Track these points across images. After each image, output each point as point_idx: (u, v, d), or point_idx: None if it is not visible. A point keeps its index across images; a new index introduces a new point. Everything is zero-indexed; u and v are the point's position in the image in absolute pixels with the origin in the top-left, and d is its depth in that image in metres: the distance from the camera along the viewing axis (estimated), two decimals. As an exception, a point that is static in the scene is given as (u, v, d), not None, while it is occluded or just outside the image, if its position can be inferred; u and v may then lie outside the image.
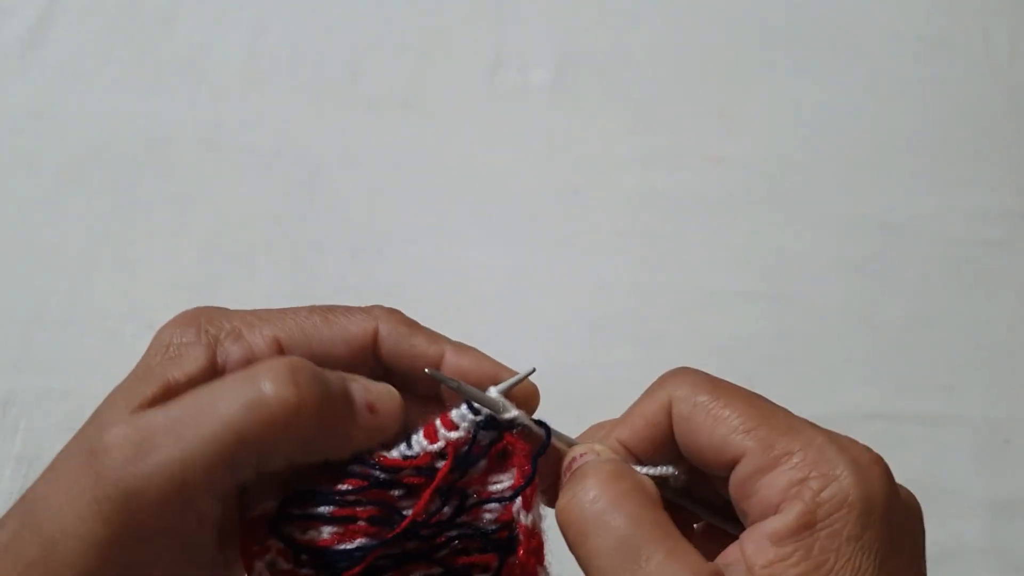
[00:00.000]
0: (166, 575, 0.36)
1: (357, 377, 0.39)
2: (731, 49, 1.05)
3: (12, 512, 0.36)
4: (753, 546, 0.34)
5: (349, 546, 0.37)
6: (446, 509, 0.38)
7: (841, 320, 0.89)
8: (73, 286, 0.87)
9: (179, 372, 0.37)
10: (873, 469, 0.34)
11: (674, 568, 0.33)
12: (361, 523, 0.37)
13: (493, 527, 0.39)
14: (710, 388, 0.39)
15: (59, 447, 0.38)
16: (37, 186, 0.92)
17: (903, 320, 0.89)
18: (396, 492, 0.38)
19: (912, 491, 0.37)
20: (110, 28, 1.02)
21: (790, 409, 0.38)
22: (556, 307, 0.88)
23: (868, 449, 0.35)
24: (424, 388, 0.42)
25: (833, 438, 0.35)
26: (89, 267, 0.88)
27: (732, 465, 0.36)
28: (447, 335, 0.42)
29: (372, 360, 0.40)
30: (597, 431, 0.42)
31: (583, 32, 1.05)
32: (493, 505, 0.39)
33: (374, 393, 0.38)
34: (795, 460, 0.35)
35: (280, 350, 0.39)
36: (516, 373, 0.40)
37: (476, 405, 0.39)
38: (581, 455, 0.40)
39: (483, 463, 0.40)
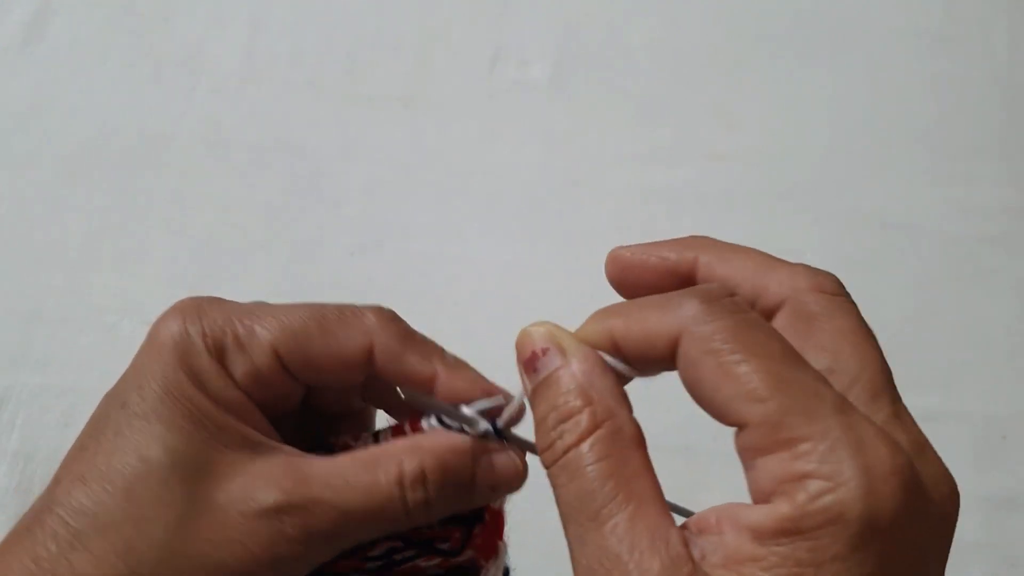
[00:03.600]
0: None
1: (487, 448, 0.38)
2: (731, 45, 1.05)
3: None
4: (732, 533, 0.30)
5: None
6: (409, 551, 0.39)
7: (840, 316, 0.89)
8: (70, 282, 0.87)
9: (213, 388, 0.37)
10: (889, 481, 0.29)
11: (632, 535, 0.30)
12: None
13: (458, 561, 0.40)
14: (733, 331, 0.31)
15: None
16: (34, 182, 0.92)
17: (901, 316, 0.89)
18: None
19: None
20: (108, 23, 1.02)
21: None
22: (555, 303, 0.88)
23: (894, 454, 0.30)
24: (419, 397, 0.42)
25: (853, 434, 0.29)
26: (87, 263, 0.88)
27: (734, 427, 0.32)
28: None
29: (367, 369, 0.40)
30: (599, 314, 0.37)
31: (582, 27, 1.05)
32: (465, 560, 0.40)
33: (501, 475, 0.38)
34: (801, 449, 0.29)
35: (277, 358, 0.38)
36: (506, 392, 0.40)
37: (445, 419, 0.39)
38: (543, 351, 0.35)
39: None
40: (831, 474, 0.28)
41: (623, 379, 0.36)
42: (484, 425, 0.38)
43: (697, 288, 0.35)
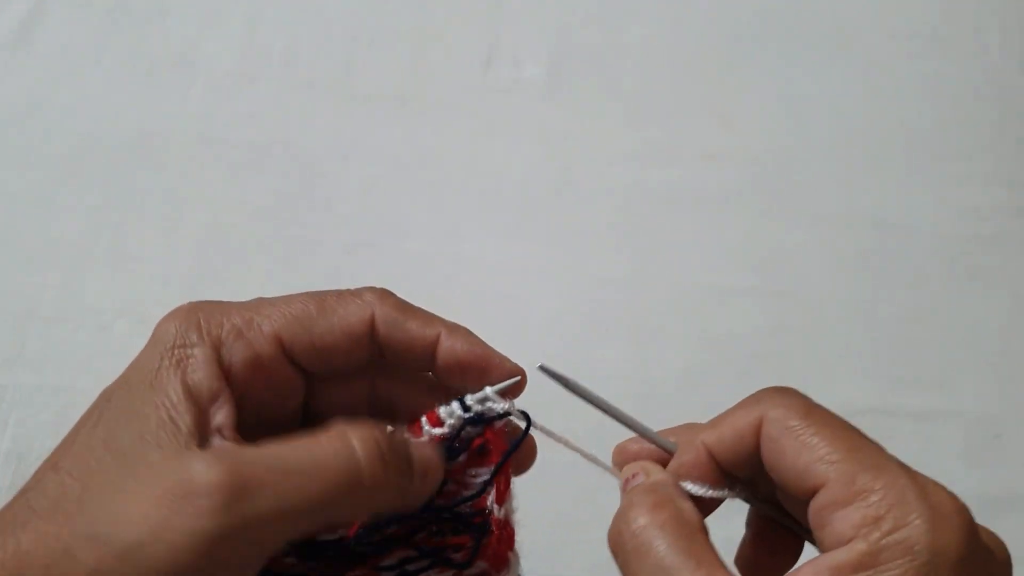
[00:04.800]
0: None
1: (410, 441, 0.39)
2: (726, 45, 1.05)
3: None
4: (812, 574, 0.34)
5: (331, 537, 0.38)
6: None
7: (834, 315, 0.90)
8: (65, 282, 0.86)
9: (194, 378, 0.37)
10: (953, 519, 0.34)
11: None
12: None
13: (468, 512, 0.40)
14: (804, 413, 0.38)
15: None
16: (29, 181, 0.92)
17: (896, 315, 0.90)
18: None
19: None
20: (102, 22, 1.02)
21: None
22: (550, 302, 0.88)
23: (954, 498, 0.35)
24: (416, 367, 0.43)
25: (918, 482, 0.35)
26: (81, 263, 0.88)
27: (812, 493, 0.36)
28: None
29: (368, 344, 0.41)
30: (687, 431, 0.43)
31: (577, 27, 1.05)
32: (469, 494, 0.40)
33: (427, 461, 0.39)
34: (873, 498, 0.34)
35: (281, 345, 0.39)
36: (504, 356, 0.42)
37: (468, 402, 0.40)
38: (634, 475, 0.41)
39: (463, 457, 0.41)
40: (901, 515, 0.34)
41: (704, 502, 0.42)
42: (504, 406, 0.40)
43: (769, 388, 0.41)
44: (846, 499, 0.35)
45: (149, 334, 0.40)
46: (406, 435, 0.40)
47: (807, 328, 0.88)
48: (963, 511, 0.35)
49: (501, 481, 0.40)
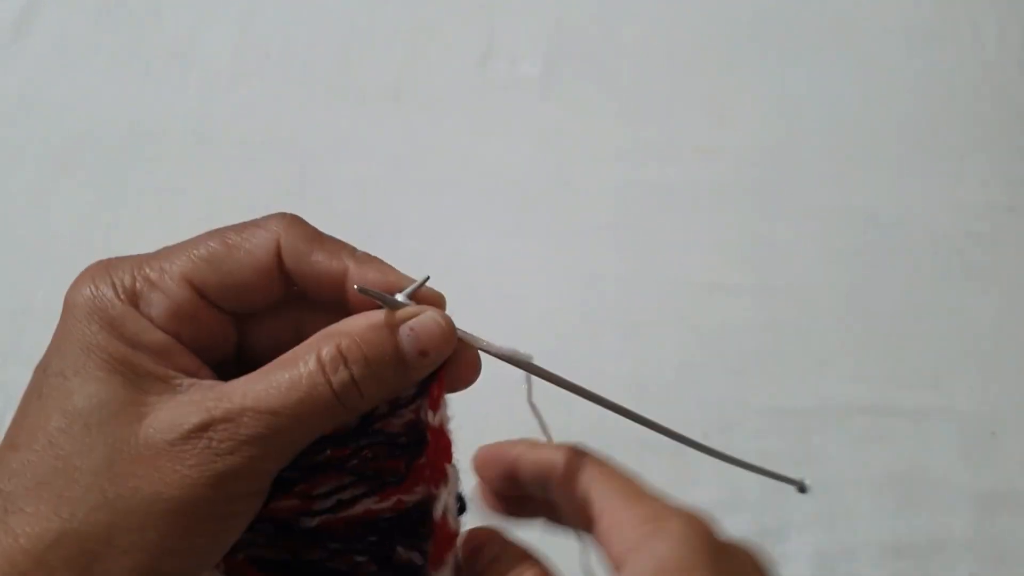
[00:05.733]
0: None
1: (405, 311, 0.37)
2: (721, 42, 1.05)
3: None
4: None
5: None
6: (352, 420, 0.38)
7: (828, 312, 0.90)
8: (60, 277, 0.86)
9: (127, 332, 0.36)
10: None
11: None
12: None
13: (401, 432, 0.38)
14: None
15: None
16: (24, 177, 0.92)
17: (890, 313, 0.90)
18: None
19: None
20: (98, 18, 1.01)
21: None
22: (545, 298, 0.88)
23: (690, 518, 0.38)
24: (330, 300, 0.40)
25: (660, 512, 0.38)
26: (76, 259, 0.87)
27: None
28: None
29: (280, 277, 0.39)
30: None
31: (573, 24, 1.05)
32: (402, 412, 0.38)
33: (424, 336, 0.37)
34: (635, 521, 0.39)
35: (193, 289, 0.38)
36: (421, 282, 0.39)
37: None
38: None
39: None
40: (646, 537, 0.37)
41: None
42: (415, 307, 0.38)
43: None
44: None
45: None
46: None
47: (801, 325, 0.89)
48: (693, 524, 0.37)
49: (435, 388, 0.38)
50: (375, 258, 0.39)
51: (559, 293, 0.89)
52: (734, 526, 0.46)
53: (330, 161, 0.94)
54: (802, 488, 0.47)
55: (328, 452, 0.37)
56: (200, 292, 0.38)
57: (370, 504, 0.38)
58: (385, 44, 1.02)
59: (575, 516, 0.40)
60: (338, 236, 0.42)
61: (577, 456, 0.42)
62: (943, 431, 0.84)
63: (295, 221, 0.40)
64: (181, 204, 0.91)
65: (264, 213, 0.41)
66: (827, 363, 0.86)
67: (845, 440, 0.81)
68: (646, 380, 0.84)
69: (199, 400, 0.34)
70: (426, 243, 0.90)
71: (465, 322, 0.41)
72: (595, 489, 0.40)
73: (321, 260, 0.38)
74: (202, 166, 0.93)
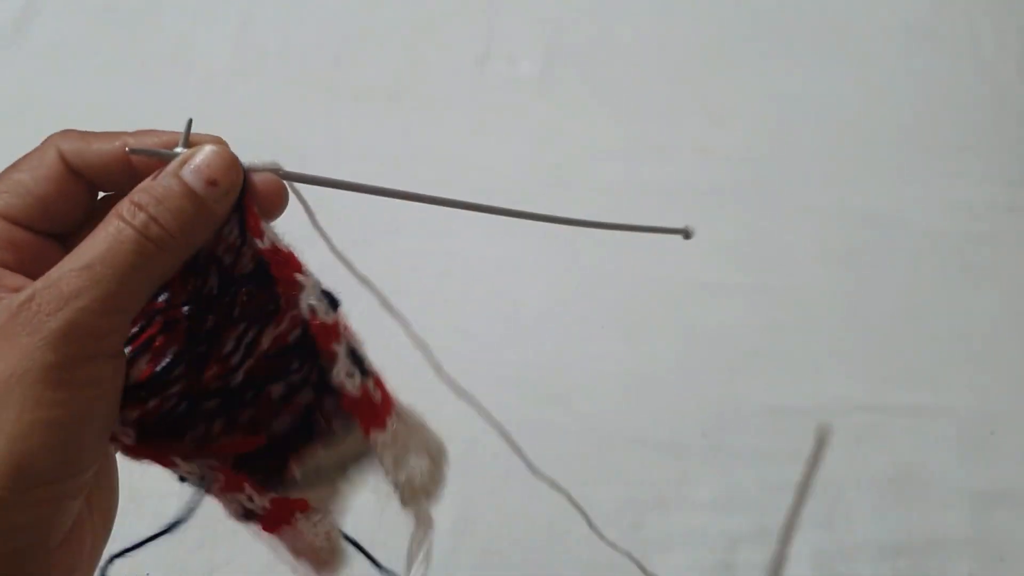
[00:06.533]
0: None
1: (183, 154, 0.39)
2: (718, 41, 1.05)
3: None
4: None
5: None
6: (212, 281, 0.40)
7: (826, 312, 0.90)
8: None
9: None
10: None
11: None
12: (159, 337, 0.39)
13: (253, 268, 0.40)
14: None
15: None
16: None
17: (888, 312, 0.90)
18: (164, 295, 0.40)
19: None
20: (95, 18, 1.01)
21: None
22: (542, 298, 0.88)
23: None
24: (122, 181, 0.42)
25: None
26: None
27: None
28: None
29: (72, 179, 0.41)
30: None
31: (571, 24, 1.05)
32: (244, 251, 0.40)
33: (205, 167, 0.39)
34: None
35: (5, 219, 0.40)
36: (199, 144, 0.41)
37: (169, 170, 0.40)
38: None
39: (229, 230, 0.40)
40: None
41: None
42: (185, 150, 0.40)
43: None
44: None
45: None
46: None
47: (798, 324, 0.89)
48: None
49: (250, 218, 0.40)
50: (153, 130, 0.43)
51: (557, 292, 0.89)
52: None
53: (327, 161, 0.94)
54: (687, 235, 0.46)
55: (214, 315, 0.39)
56: (13, 221, 0.40)
57: (273, 334, 0.41)
58: (383, 44, 1.02)
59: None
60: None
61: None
62: (942, 430, 0.84)
63: (68, 130, 0.43)
64: (179, 204, 0.91)
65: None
66: (825, 362, 0.86)
67: (844, 440, 0.81)
68: (644, 380, 0.84)
69: (24, 286, 0.36)
70: (424, 243, 0.90)
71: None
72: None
73: (102, 146, 0.41)
74: (200, 166, 0.93)
